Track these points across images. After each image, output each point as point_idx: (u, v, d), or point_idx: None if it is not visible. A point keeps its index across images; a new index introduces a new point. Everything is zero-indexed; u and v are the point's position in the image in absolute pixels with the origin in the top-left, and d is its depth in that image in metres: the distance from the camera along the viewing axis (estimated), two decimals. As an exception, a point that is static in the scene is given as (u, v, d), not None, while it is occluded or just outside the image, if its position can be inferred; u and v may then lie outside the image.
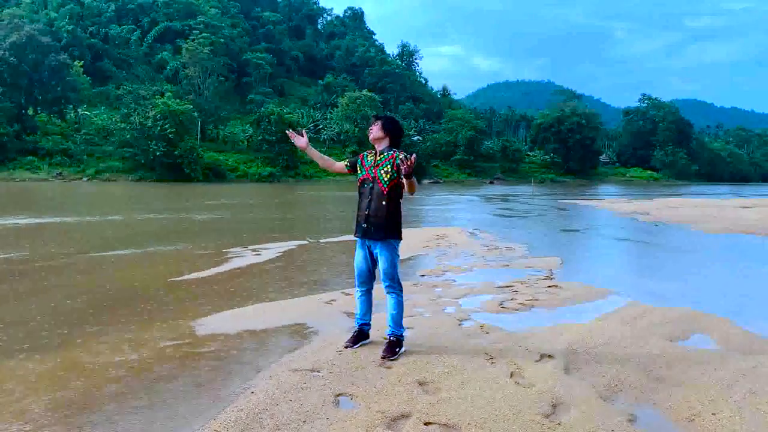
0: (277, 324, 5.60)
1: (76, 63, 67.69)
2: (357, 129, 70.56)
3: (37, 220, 16.00)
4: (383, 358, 4.40)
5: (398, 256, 4.66)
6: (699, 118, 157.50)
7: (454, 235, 13.08)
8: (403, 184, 4.44)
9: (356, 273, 4.75)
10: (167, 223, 16.05)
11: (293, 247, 11.19)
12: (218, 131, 72.78)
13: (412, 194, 4.53)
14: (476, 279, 7.96)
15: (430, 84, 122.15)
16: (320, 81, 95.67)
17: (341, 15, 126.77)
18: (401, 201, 4.66)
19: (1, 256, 9.43)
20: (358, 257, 4.71)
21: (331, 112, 79.47)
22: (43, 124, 61.38)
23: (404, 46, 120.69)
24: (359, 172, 4.68)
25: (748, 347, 4.98)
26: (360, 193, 4.68)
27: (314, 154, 4.95)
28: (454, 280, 7.85)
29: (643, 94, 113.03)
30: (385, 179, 4.50)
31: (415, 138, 78.55)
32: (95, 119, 64.54)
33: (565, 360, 4.47)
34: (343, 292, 6.89)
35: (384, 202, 4.50)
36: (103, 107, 69.68)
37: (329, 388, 3.84)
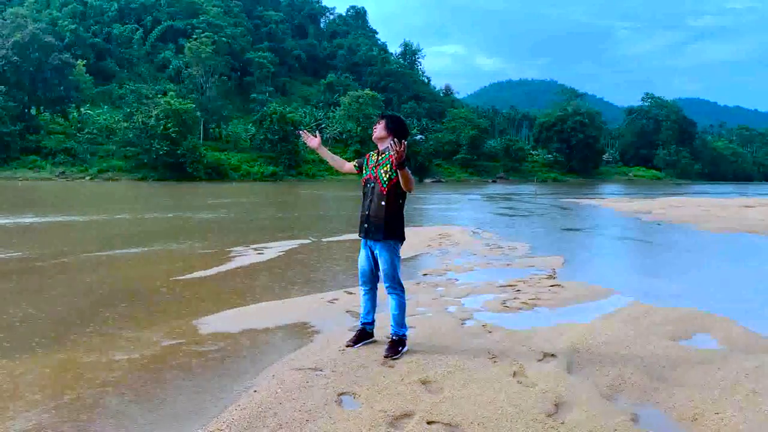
0: (280, 323, 5.61)
1: (78, 62, 67.73)
2: (359, 128, 70.55)
3: (45, 219, 16.03)
4: (386, 357, 4.40)
5: (399, 257, 4.62)
6: (702, 117, 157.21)
7: (456, 235, 13.08)
8: (400, 185, 4.40)
9: (359, 273, 4.77)
10: (171, 222, 16.06)
11: (295, 246, 11.20)
12: (221, 130, 72.82)
13: (408, 191, 4.45)
14: (479, 278, 7.96)
15: (432, 83, 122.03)
16: (323, 80, 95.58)
17: (344, 14, 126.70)
18: (403, 201, 4.60)
19: (7, 255, 9.45)
20: (361, 257, 4.72)
21: (333, 112, 79.47)
22: (46, 124, 61.44)
23: (407, 45, 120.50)
24: (363, 172, 4.69)
25: (750, 347, 4.97)
26: (363, 193, 4.67)
27: (326, 154, 4.99)
28: (457, 280, 7.85)
29: (646, 93, 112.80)
30: (385, 179, 4.47)
31: (418, 137, 78.46)
32: (98, 118, 64.56)
33: (568, 359, 4.47)
34: (345, 291, 6.89)
35: (383, 203, 4.47)
36: (105, 106, 69.69)
37: (332, 387, 3.84)
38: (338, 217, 18.99)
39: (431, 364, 4.28)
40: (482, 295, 6.87)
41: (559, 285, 7.44)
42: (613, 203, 28.55)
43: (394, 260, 4.56)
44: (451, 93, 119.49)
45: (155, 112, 56.65)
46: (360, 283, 4.79)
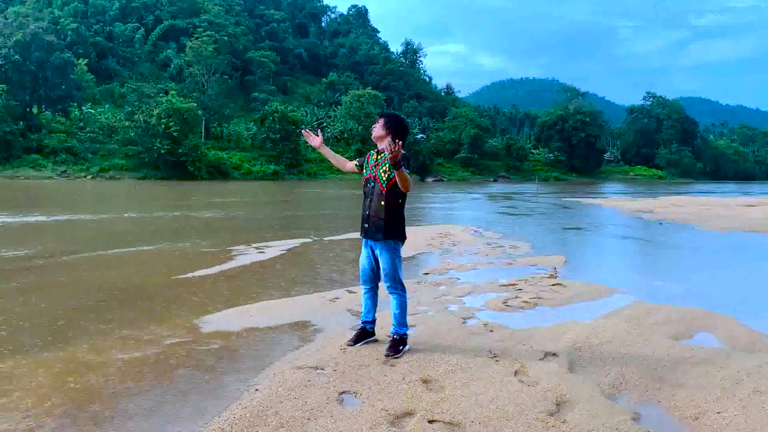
0: (281, 322, 5.61)
1: (80, 61, 67.79)
2: (361, 127, 70.55)
3: (53, 218, 16.06)
4: (387, 356, 4.40)
5: (399, 257, 4.58)
6: (704, 116, 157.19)
7: (457, 234, 13.08)
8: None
9: (360, 272, 4.78)
10: (174, 221, 16.08)
11: (297, 245, 11.20)
12: (222, 129, 72.85)
13: (406, 191, 4.39)
14: (480, 277, 7.96)
15: (434, 82, 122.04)
16: (324, 79, 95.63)
17: (345, 13, 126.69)
18: (403, 201, 4.56)
19: (10, 254, 9.46)
20: (362, 256, 4.72)
21: (334, 110, 79.50)
22: (47, 122, 61.47)
23: (408, 44, 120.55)
24: (364, 171, 4.68)
25: (753, 346, 4.97)
26: (363, 193, 4.66)
27: (328, 152, 4.99)
28: (458, 279, 7.84)
29: (648, 92, 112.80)
30: (384, 179, 4.45)
31: (419, 136, 78.47)
32: (99, 117, 64.58)
33: (570, 358, 4.47)
34: (347, 290, 6.89)
35: (383, 202, 4.45)
36: (107, 105, 69.74)
37: (333, 385, 3.84)
38: (339, 216, 18.99)
39: (432, 363, 4.28)
40: (484, 294, 6.87)
41: (560, 284, 7.43)
42: (615, 202, 28.53)
43: (395, 260, 4.54)
44: (453, 92, 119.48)
45: (157, 111, 56.68)
46: (361, 282, 4.78)
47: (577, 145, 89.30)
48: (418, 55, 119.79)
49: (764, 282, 8.56)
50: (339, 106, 78.53)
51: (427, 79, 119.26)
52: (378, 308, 4.86)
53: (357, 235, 4.74)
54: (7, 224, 14.39)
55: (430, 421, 3.32)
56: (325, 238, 12.33)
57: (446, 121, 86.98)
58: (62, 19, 79.38)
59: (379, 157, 4.54)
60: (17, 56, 57.33)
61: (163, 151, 55.20)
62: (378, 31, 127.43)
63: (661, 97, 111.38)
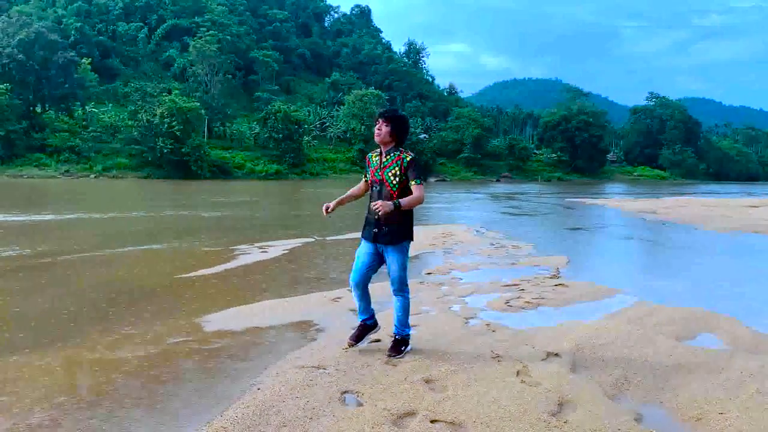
0: (284, 321, 5.62)
1: (83, 60, 67.98)
2: (363, 127, 70.58)
3: (66, 217, 16.12)
4: (389, 356, 4.39)
5: (408, 257, 4.54)
6: (707, 117, 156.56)
7: (460, 234, 13.07)
8: (413, 188, 4.32)
9: (355, 274, 4.53)
10: (179, 220, 16.11)
11: (299, 244, 11.21)
12: (225, 129, 72.95)
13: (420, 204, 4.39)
14: (482, 277, 7.95)
15: (436, 82, 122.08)
16: (327, 79, 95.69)
17: (348, 13, 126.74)
18: None
19: (18, 252, 9.49)
20: (362, 259, 4.51)
21: (337, 110, 79.54)
22: (51, 121, 61.66)
23: (411, 44, 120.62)
24: (367, 176, 4.56)
25: (755, 347, 4.95)
26: (369, 196, 4.54)
27: (346, 199, 4.73)
28: (461, 279, 7.84)
29: (651, 93, 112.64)
30: (394, 182, 4.32)
31: (422, 136, 78.49)
32: (103, 116, 64.79)
33: (572, 359, 4.46)
34: (349, 290, 6.87)
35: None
36: (110, 104, 69.92)
37: (335, 385, 3.84)
38: (342, 216, 18.96)
39: (435, 363, 4.28)
40: (486, 294, 6.86)
41: (563, 284, 7.42)
42: (618, 203, 28.49)
43: (406, 262, 4.47)
44: (456, 92, 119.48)
45: (160, 111, 56.81)
46: (353, 284, 4.55)
47: (580, 146, 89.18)
48: (421, 54, 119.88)
49: (767, 283, 8.54)
50: (342, 106, 78.58)
51: (430, 79, 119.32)
52: (378, 308, 4.83)
53: (359, 234, 4.62)
54: (21, 222, 14.55)
55: (433, 421, 3.32)
56: (327, 238, 12.34)
57: (449, 121, 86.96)
58: (66, 18, 79.61)
59: (384, 159, 4.40)
60: (21, 55, 57.51)
61: (166, 151, 55.33)
62: (381, 31, 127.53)
63: (664, 97, 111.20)
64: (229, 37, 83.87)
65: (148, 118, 56.79)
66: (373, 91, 79.63)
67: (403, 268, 4.45)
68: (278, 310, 5.99)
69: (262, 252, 10.04)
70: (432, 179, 67.79)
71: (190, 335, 5.05)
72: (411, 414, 3.43)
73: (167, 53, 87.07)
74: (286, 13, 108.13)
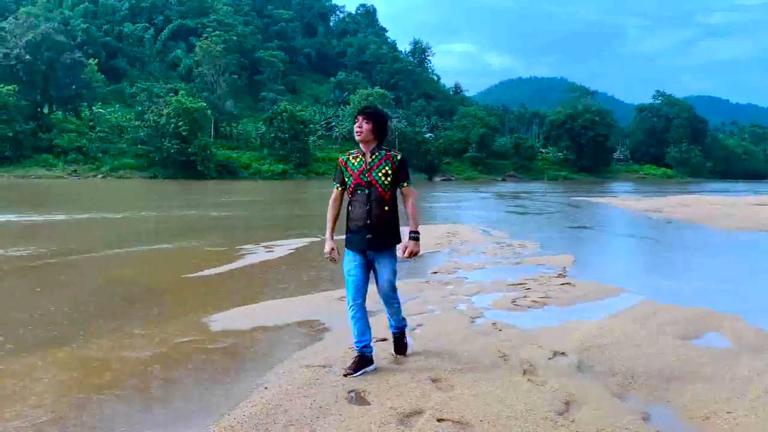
0: (290, 320, 5.64)
1: (90, 61, 68.21)
2: (369, 126, 70.46)
3: (78, 216, 16.20)
4: (398, 354, 4.38)
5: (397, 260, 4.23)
6: (714, 115, 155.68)
7: (465, 233, 13.06)
8: (404, 190, 4.13)
9: (356, 293, 4.11)
10: (186, 220, 16.17)
11: (305, 244, 11.23)
12: (231, 129, 73.10)
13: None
14: (488, 277, 7.95)
15: (442, 81, 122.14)
16: (332, 78, 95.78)
17: (353, 12, 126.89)
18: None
19: (28, 252, 9.54)
20: (355, 270, 4.12)
21: (343, 110, 79.58)
22: (58, 122, 61.96)
23: (416, 43, 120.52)
24: (347, 181, 4.12)
25: (762, 346, 4.93)
26: (352, 201, 4.10)
27: (334, 226, 4.30)
28: (466, 278, 7.84)
29: (657, 91, 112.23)
30: (386, 182, 4.02)
31: (428, 135, 78.47)
32: (109, 117, 65.05)
33: (578, 358, 4.46)
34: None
35: (387, 208, 4.04)
36: (117, 105, 70.25)
37: (342, 384, 3.86)
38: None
39: (441, 362, 4.28)
40: (492, 293, 6.86)
41: (569, 284, 7.41)
42: (624, 202, 28.40)
43: (396, 266, 4.19)
44: (461, 91, 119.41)
45: (166, 111, 57.00)
46: (356, 305, 4.11)
47: (586, 144, 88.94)
48: (426, 54, 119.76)
49: (775, 282, 8.50)
50: (347, 106, 78.60)
51: (436, 78, 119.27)
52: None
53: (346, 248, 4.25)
54: (36, 223, 14.72)
55: (439, 420, 3.33)
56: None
57: (454, 121, 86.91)
58: (72, 20, 79.94)
59: (371, 158, 4.05)
60: (28, 56, 57.80)
61: (172, 151, 55.50)
62: (386, 31, 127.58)
63: (670, 95, 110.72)
64: (234, 37, 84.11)
65: (155, 118, 56.98)
66: (379, 90, 79.69)
67: (395, 273, 4.16)
68: (284, 310, 6.01)
69: (268, 252, 10.07)
70: (437, 178, 67.78)
71: (197, 335, 5.08)
72: (418, 413, 3.43)
73: (173, 53, 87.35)
74: (291, 13, 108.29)
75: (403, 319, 4.44)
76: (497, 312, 5.98)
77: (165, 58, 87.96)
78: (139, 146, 57.95)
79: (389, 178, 4.04)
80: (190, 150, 55.95)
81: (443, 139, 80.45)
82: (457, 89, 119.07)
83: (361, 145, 4.11)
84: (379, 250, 4.09)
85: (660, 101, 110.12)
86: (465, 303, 6.34)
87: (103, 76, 71.38)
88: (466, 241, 11.73)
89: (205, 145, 57.96)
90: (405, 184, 4.13)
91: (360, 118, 4.09)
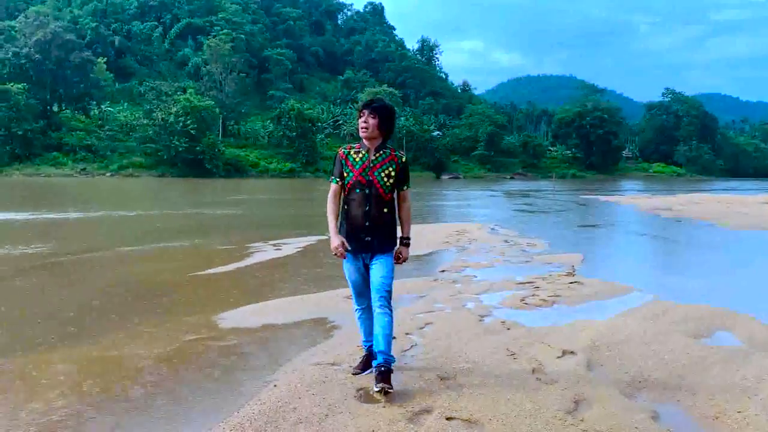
0: (299, 318, 5.65)
1: (99, 60, 68.56)
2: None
3: (92, 214, 16.36)
4: (386, 390, 3.61)
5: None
6: (724, 113, 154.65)
7: (474, 231, 13.04)
8: (402, 194, 3.95)
9: (361, 298, 4.03)
10: (196, 219, 16.24)
11: (313, 242, 11.24)
12: (239, 127, 73.27)
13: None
14: (497, 275, 7.94)
15: (450, 79, 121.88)
16: (340, 77, 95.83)
17: (361, 10, 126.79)
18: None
19: (39, 250, 9.61)
20: (353, 272, 3.97)
21: (351, 108, 79.60)
22: (67, 120, 62.29)
23: (424, 41, 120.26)
24: (346, 177, 3.86)
25: (774, 345, 4.90)
26: (349, 200, 3.85)
27: (337, 222, 3.94)
28: (475, 276, 7.83)
29: (667, 89, 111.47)
30: (387, 184, 3.81)
31: (436, 133, 78.38)
32: (118, 115, 65.36)
33: (587, 357, 4.44)
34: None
35: (386, 209, 3.83)
36: (126, 103, 70.53)
37: (351, 382, 3.86)
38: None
39: (450, 361, 4.28)
40: (500, 291, 6.85)
41: (578, 282, 7.39)
42: (633, 200, 28.28)
43: (393, 270, 3.95)
44: (469, 89, 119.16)
45: (175, 109, 57.17)
46: (362, 309, 4.05)
47: (595, 142, 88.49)
48: (434, 52, 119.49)
49: (786, 281, 8.44)
50: (355, 104, 78.57)
51: (444, 76, 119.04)
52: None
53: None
54: (53, 220, 14.89)
55: (448, 419, 3.33)
56: (341, 236, 12.34)
57: (462, 118, 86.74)
58: (81, 18, 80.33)
59: (375, 157, 3.83)
60: (37, 55, 58.12)
61: (180, 149, 55.67)
62: (394, 29, 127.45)
63: (679, 93, 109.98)
64: (242, 36, 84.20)
65: (163, 116, 57.17)
66: (387, 88, 79.60)
67: (392, 276, 3.92)
68: (293, 308, 6.02)
69: (277, 249, 10.09)
70: (445, 176, 67.68)
71: (206, 332, 5.10)
72: (427, 411, 3.43)
73: (182, 52, 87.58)
74: (299, 11, 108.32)
75: (392, 355, 3.87)
76: (506, 310, 5.97)
77: (173, 56, 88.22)
78: (148, 144, 58.17)
79: (391, 180, 3.83)
80: (198, 148, 56.12)
81: (451, 137, 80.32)
82: (465, 87, 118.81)
83: (365, 141, 3.87)
84: (378, 253, 3.87)
85: (670, 99, 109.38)
86: (473, 301, 6.33)
87: (111, 74, 71.74)
88: (474, 239, 11.72)
89: (213, 144, 58.12)
90: (405, 188, 3.95)
91: (365, 112, 3.83)
